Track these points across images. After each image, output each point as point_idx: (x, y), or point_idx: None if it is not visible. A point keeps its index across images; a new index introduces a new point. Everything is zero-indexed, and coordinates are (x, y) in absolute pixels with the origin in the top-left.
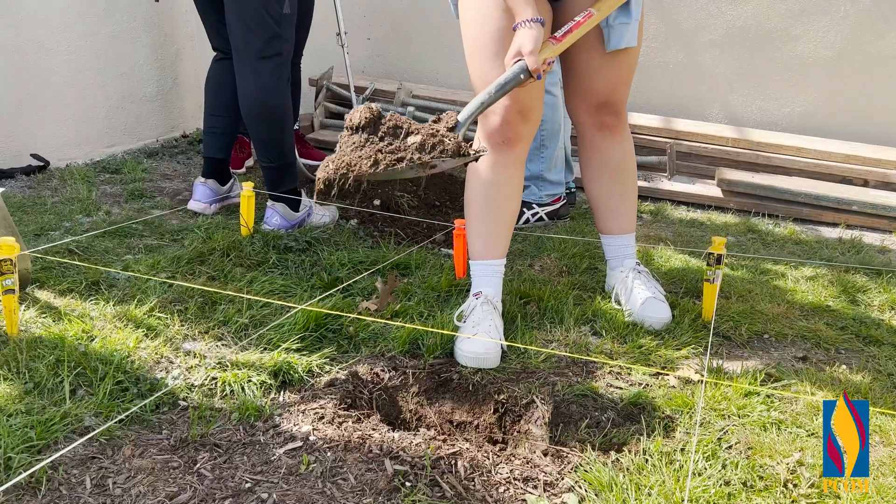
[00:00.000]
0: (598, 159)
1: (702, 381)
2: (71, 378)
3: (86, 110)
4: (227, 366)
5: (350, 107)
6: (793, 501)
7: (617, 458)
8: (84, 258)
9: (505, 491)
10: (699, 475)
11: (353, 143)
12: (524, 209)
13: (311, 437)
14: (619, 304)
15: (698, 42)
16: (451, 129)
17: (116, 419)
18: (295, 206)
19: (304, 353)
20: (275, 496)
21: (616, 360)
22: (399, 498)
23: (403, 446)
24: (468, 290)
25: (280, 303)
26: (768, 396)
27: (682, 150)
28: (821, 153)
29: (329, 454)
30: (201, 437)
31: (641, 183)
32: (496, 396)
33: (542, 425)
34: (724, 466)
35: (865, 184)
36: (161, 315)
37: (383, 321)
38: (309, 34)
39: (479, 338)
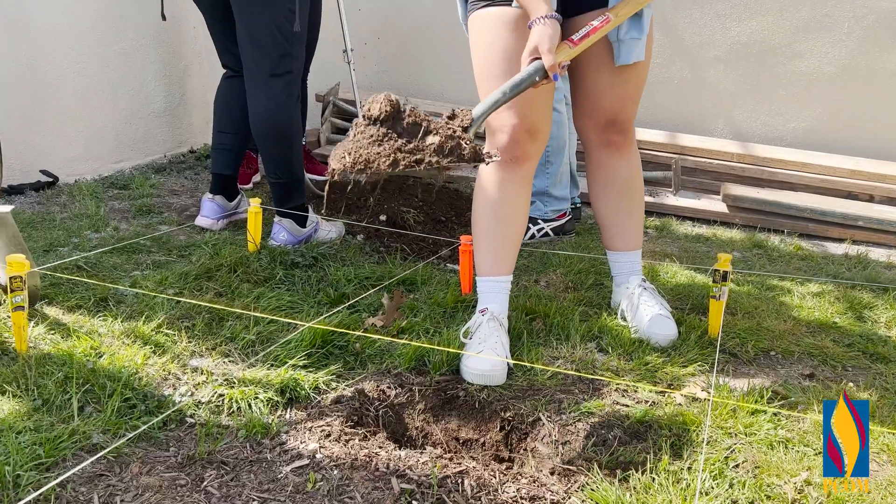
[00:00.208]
0: (605, 177)
1: (708, 399)
2: (79, 395)
3: (95, 126)
4: (235, 382)
5: None
6: None
7: (624, 477)
8: (92, 274)
9: None
10: (706, 494)
11: (371, 135)
12: (530, 225)
13: (318, 455)
14: (626, 320)
15: (703, 58)
16: (466, 129)
17: (125, 438)
18: (302, 221)
19: (311, 369)
20: None
21: (622, 377)
22: None
23: (410, 464)
24: (474, 307)
25: (286, 320)
26: (775, 414)
27: (688, 165)
28: (826, 168)
29: (336, 472)
30: (208, 454)
31: (646, 198)
32: (502, 414)
33: (548, 443)
34: (731, 486)
35: (871, 199)
36: (169, 331)
37: (389, 339)
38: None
39: (484, 356)
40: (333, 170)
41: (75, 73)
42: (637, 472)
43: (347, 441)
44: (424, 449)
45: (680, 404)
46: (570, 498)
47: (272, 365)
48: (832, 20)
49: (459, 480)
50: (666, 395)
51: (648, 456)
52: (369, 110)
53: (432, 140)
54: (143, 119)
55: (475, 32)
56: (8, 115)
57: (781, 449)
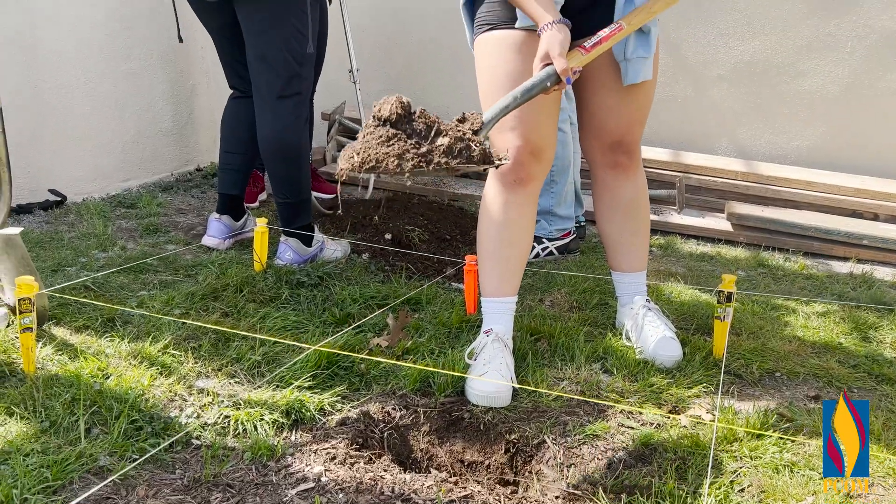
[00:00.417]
0: (610, 198)
1: (713, 422)
2: (86, 416)
3: (102, 145)
4: (240, 404)
5: None
6: None
7: (629, 502)
8: (100, 294)
9: None
10: None
11: (380, 136)
12: (534, 244)
13: (323, 479)
14: (630, 340)
15: (706, 77)
16: (476, 132)
17: (133, 464)
18: (307, 241)
19: (316, 390)
20: None
21: (627, 399)
22: None
23: (415, 488)
24: (479, 327)
25: (291, 343)
26: (780, 438)
27: (692, 183)
28: (830, 187)
29: (341, 496)
30: (214, 476)
31: (651, 216)
32: (507, 436)
33: (553, 466)
34: None
35: (875, 217)
36: (175, 352)
37: (393, 361)
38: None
39: (489, 379)
40: (342, 169)
41: (83, 92)
42: (642, 496)
43: (353, 464)
44: (429, 472)
45: (685, 426)
46: None
47: (277, 386)
48: (835, 39)
49: None
50: (671, 417)
51: (654, 479)
52: (380, 111)
53: (442, 141)
54: (151, 138)
55: (480, 56)
56: (17, 135)
57: (787, 473)
